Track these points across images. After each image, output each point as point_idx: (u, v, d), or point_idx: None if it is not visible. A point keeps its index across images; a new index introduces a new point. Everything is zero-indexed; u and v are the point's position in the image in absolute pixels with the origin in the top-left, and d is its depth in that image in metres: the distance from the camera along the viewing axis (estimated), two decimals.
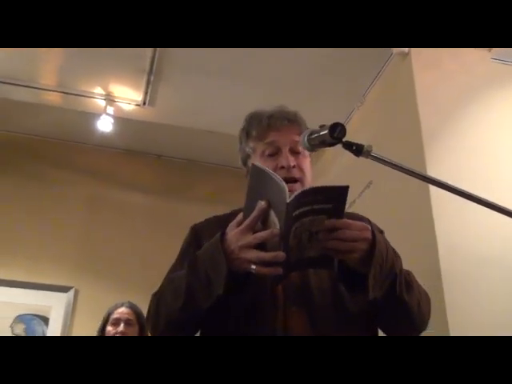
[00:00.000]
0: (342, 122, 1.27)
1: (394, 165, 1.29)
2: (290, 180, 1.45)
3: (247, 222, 1.19)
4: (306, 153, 1.53)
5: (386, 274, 1.23)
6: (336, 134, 1.26)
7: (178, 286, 1.31)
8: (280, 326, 1.30)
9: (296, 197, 1.10)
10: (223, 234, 1.24)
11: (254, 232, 1.18)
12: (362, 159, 1.35)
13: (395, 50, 3.06)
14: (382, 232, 1.53)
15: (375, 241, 1.21)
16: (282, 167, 1.47)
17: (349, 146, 1.28)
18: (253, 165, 1.24)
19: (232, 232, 1.22)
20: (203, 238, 1.47)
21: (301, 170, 1.50)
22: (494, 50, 3.12)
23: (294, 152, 1.51)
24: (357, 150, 1.28)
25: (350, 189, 1.15)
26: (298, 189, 1.41)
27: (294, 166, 1.48)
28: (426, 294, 1.42)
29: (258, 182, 1.21)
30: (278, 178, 1.16)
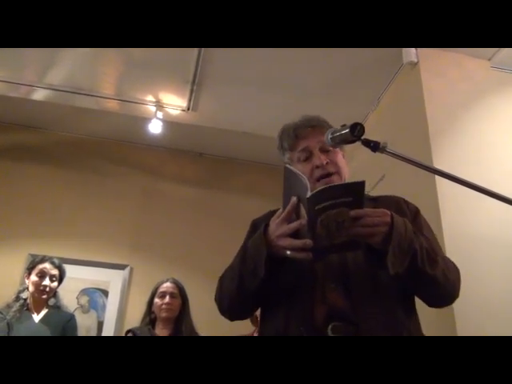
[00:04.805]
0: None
1: (406, 159, 1.29)
2: (327, 175, 1.45)
3: (282, 215, 1.23)
4: (337, 148, 1.51)
5: (405, 251, 1.21)
6: (356, 132, 1.26)
7: (234, 271, 1.38)
8: (319, 299, 1.30)
9: (315, 193, 1.12)
10: (266, 226, 1.28)
11: (290, 223, 1.21)
12: (375, 156, 1.35)
13: (405, 60, 3.03)
14: (417, 211, 1.50)
15: (393, 223, 1.21)
16: (317, 166, 1.46)
17: (367, 143, 1.28)
18: (285, 167, 1.25)
19: (273, 224, 1.25)
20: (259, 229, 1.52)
21: (335, 164, 1.48)
22: (494, 58, 3.08)
23: (325, 150, 1.49)
24: (374, 146, 1.27)
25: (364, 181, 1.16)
26: (336, 181, 1.43)
27: (327, 163, 1.46)
28: (453, 263, 1.38)
29: (291, 181, 1.23)
30: (302, 176, 1.17)
